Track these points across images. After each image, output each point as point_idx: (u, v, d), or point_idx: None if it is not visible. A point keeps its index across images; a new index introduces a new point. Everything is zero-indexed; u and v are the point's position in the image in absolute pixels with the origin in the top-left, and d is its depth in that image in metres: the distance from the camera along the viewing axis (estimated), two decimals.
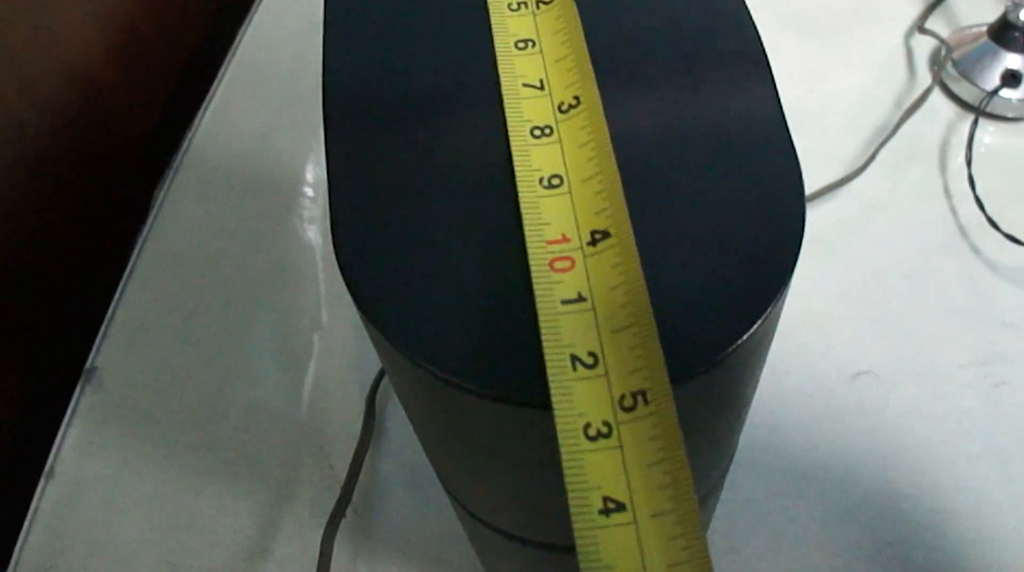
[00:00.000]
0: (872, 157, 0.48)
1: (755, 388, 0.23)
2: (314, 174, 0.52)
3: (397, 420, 0.43)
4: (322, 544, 0.36)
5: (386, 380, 0.43)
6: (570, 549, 0.26)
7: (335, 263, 0.48)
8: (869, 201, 0.47)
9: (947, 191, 0.48)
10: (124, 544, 0.40)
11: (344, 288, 0.47)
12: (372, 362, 0.44)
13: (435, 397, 0.19)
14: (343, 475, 0.41)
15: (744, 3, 0.23)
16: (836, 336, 0.43)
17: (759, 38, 0.22)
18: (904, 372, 0.42)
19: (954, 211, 0.47)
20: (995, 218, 0.45)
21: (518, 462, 0.21)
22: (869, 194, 0.48)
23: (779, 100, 0.21)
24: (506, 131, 0.21)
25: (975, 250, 0.46)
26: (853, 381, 0.42)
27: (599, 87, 0.21)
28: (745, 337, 0.17)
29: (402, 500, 0.40)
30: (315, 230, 0.50)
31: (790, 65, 0.54)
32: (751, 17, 0.22)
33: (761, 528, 0.39)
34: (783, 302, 0.18)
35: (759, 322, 0.17)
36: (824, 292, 0.45)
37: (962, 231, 0.46)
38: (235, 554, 0.39)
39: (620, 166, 0.20)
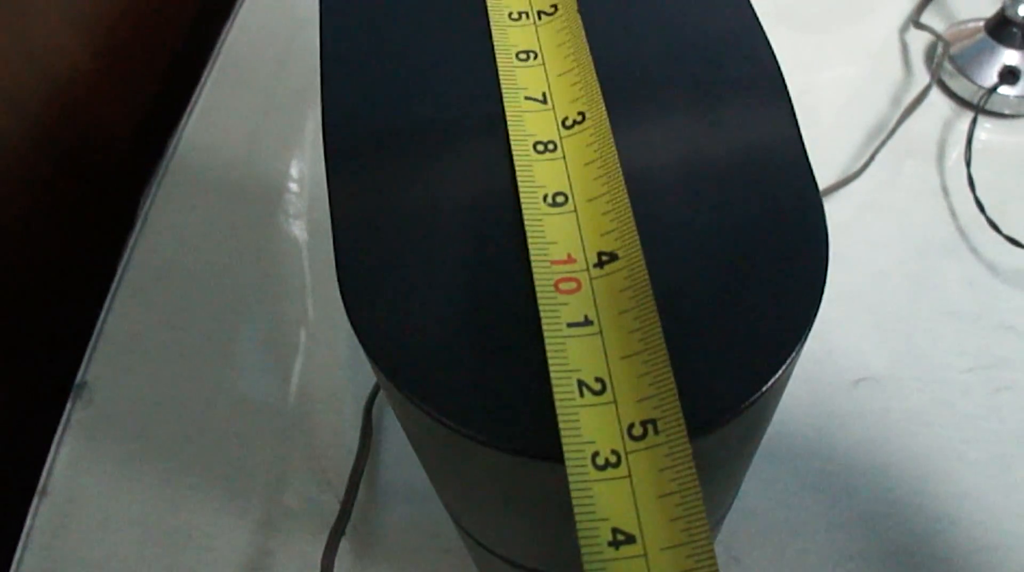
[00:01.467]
0: (872, 157, 0.47)
1: (768, 425, 0.23)
2: (300, 177, 0.52)
3: (394, 433, 0.42)
4: (322, 561, 0.35)
5: (382, 393, 0.43)
6: None
7: (323, 269, 0.47)
8: (867, 202, 0.47)
9: (946, 190, 0.47)
10: (120, 562, 0.39)
11: (334, 294, 0.47)
12: (367, 373, 0.44)
13: (442, 441, 0.18)
14: (340, 489, 0.41)
15: (756, 19, 0.22)
16: (836, 342, 0.43)
17: (773, 55, 0.21)
18: (905, 378, 0.42)
19: (953, 212, 0.47)
20: (995, 218, 0.45)
21: (526, 506, 0.20)
22: (867, 195, 0.47)
23: (796, 120, 0.20)
24: (511, 153, 0.20)
25: (975, 252, 0.45)
26: (854, 387, 0.42)
27: (607, 104, 0.20)
28: (768, 386, 0.17)
29: (401, 515, 0.40)
30: (302, 235, 0.49)
31: (783, 61, 0.53)
32: (763, 31, 0.22)
33: (764, 538, 0.38)
34: (804, 344, 0.18)
35: (783, 368, 0.17)
36: (824, 301, 0.44)
37: (962, 232, 0.46)
38: (233, 571, 0.39)
39: (629, 187, 0.19)
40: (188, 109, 0.55)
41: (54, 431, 0.43)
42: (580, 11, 0.22)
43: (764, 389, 0.17)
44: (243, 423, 0.43)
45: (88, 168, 0.52)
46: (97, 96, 0.52)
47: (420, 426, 0.19)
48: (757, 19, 0.22)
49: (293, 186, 0.51)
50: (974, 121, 0.48)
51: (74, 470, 0.42)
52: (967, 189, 0.46)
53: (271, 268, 0.48)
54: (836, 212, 0.47)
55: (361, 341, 0.18)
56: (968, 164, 0.46)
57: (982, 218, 0.45)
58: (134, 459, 0.42)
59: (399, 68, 0.22)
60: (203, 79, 0.56)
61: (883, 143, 0.48)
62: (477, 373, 0.17)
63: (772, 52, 0.21)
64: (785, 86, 0.21)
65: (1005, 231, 0.44)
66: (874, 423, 0.41)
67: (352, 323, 0.18)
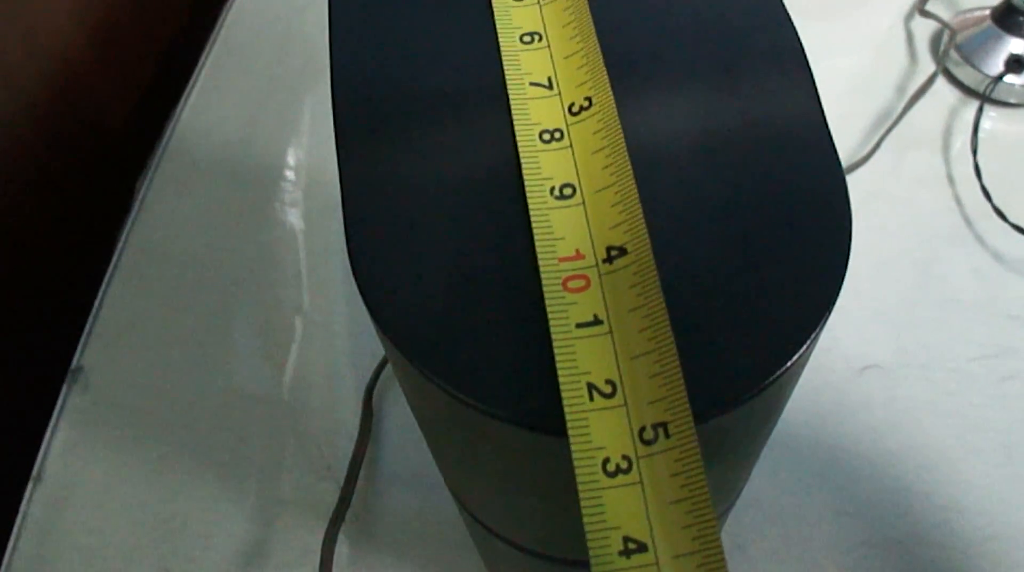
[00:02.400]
0: (877, 145, 0.47)
1: (782, 412, 0.22)
2: (296, 163, 0.51)
3: (395, 419, 0.42)
4: (323, 549, 0.35)
5: (383, 378, 0.42)
6: (581, 563, 0.26)
7: (319, 255, 0.47)
8: (873, 190, 0.47)
9: (952, 179, 0.47)
10: (117, 548, 0.39)
11: (330, 279, 0.46)
12: (366, 358, 0.43)
13: (454, 416, 0.18)
14: (340, 476, 0.40)
15: None
16: (842, 329, 0.43)
17: (795, 31, 0.20)
18: (911, 366, 0.42)
19: (959, 200, 0.46)
20: (1001, 206, 0.45)
21: (536, 485, 0.20)
22: (873, 183, 0.47)
23: (819, 101, 0.19)
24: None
25: (981, 240, 0.45)
26: (860, 375, 0.41)
27: (615, 83, 0.20)
28: (789, 365, 0.16)
29: (402, 502, 0.39)
30: (298, 221, 0.48)
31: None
32: (782, 3, 0.21)
33: (769, 526, 0.38)
34: (824, 326, 0.17)
35: (804, 347, 0.16)
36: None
37: (968, 221, 0.46)
38: (231, 559, 0.38)
39: (637, 174, 0.18)
40: (185, 93, 0.54)
41: (49, 416, 0.43)
42: None
43: (784, 368, 0.16)
44: (240, 409, 0.42)
45: (85, 151, 0.52)
46: (94, 79, 0.52)
47: (429, 401, 0.18)
48: None
49: (290, 171, 0.51)
50: (980, 109, 0.47)
51: (69, 456, 0.42)
52: (973, 178, 0.46)
53: (268, 253, 0.47)
54: None
55: (371, 312, 0.17)
56: (974, 152, 0.46)
57: (988, 206, 0.45)
58: (130, 445, 0.42)
59: (409, 43, 0.21)
60: (200, 63, 0.56)
61: (888, 131, 0.48)
62: (488, 345, 0.17)
63: (792, 24, 0.21)
64: (806, 58, 0.20)
65: (1012, 220, 0.44)
66: (880, 411, 0.41)
67: (362, 293, 0.17)
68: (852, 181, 0.47)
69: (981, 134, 0.48)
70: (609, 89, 0.20)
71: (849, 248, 0.17)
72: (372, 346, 0.44)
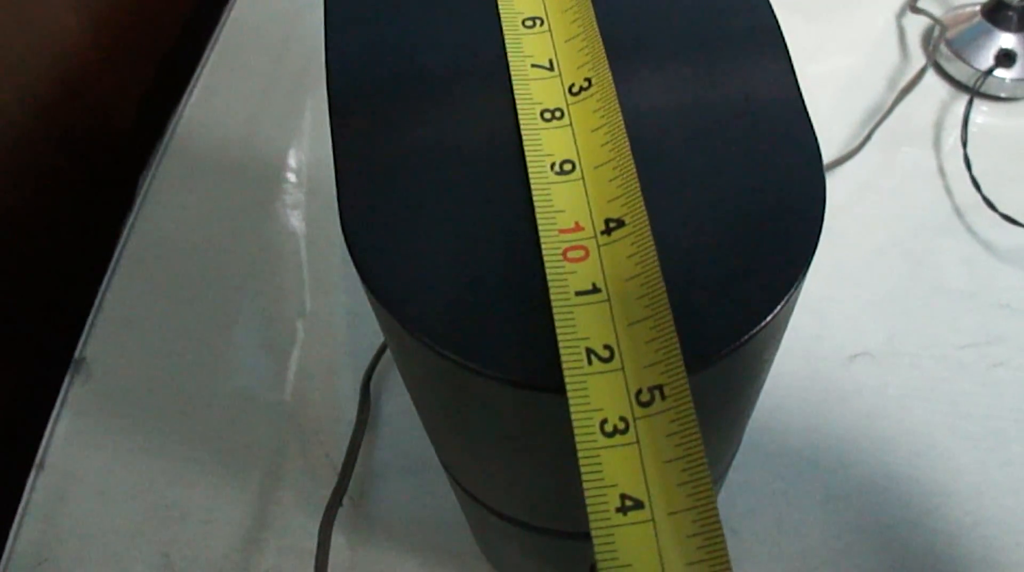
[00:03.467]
0: (867, 138, 0.48)
1: (767, 373, 0.23)
2: (298, 159, 0.52)
3: (392, 406, 0.42)
4: (320, 533, 0.35)
5: (380, 367, 0.43)
6: (575, 535, 0.26)
7: (319, 249, 0.47)
8: (864, 182, 0.47)
9: (942, 171, 0.48)
10: (117, 536, 0.40)
11: (330, 273, 0.47)
12: (364, 348, 0.44)
13: (448, 380, 0.18)
14: (339, 463, 0.41)
15: None
16: (832, 318, 0.43)
17: (773, 13, 0.21)
18: (901, 354, 0.42)
19: (950, 191, 0.47)
20: (991, 197, 0.45)
21: (529, 447, 0.20)
22: (864, 175, 0.47)
23: (795, 77, 0.20)
24: (516, 112, 0.20)
25: (971, 231, 0.46)
26: (851, 363, 0.42)
27: (612, 65, 0.21)
28: (766, 321, 0.17)
29: (399, 487, 0.40)
30: (299, 216, 0.49)
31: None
32: None
33: (761, 511, 0.39)
34: (802, 285, 0.18)
35: (780, 306, 0.17)
36: (820, 274, 0.44)
37: (958, 212, 0.46)
38: (231, 544, 0.39)
39: (634, 150, 0.19)
40: (188, 90, 0.55)
41: (52, 405, 0.43)
42: None
43: (761, 326, 0.17)
44: (241, 398, 0.43)
45: (89, 147, 0.52)
46: (98, 76, 0.52)
47: (430, 373, 0.19)
48: None
49: (291, 167, 0.51)
50: (970, 103, 0.48)
51: (72, 444, 0.42)
52: (963, 170, 0.46)
53: (268, 247, 0.48)
54: (833, 192, 0.47)
55: (362, 276, 0.18)
56: (964, 145, 0.46)
57: (978, 198, 0.45)
58: (132, 434, 0.42)
59: (409, 27, 0.22)
60: (203, 61, 0.57)
61: (879, 124, 0.48)
62: (488, 312, 0.17)
63: (771, 9, 0.22)
64: (784, 42, 0.21)
65: (1001, 210, 0.45)
66: (870, 398, 0.41)
67: (357, 265, 0.18)
68: (843, 173, 0.47)
69: (971, 127, 0.49)
70: (608, 71, 0.20)
71: (822, 214, 0.18)
72: (371, 339, 0.44)
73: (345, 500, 0.39)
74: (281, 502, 0.40)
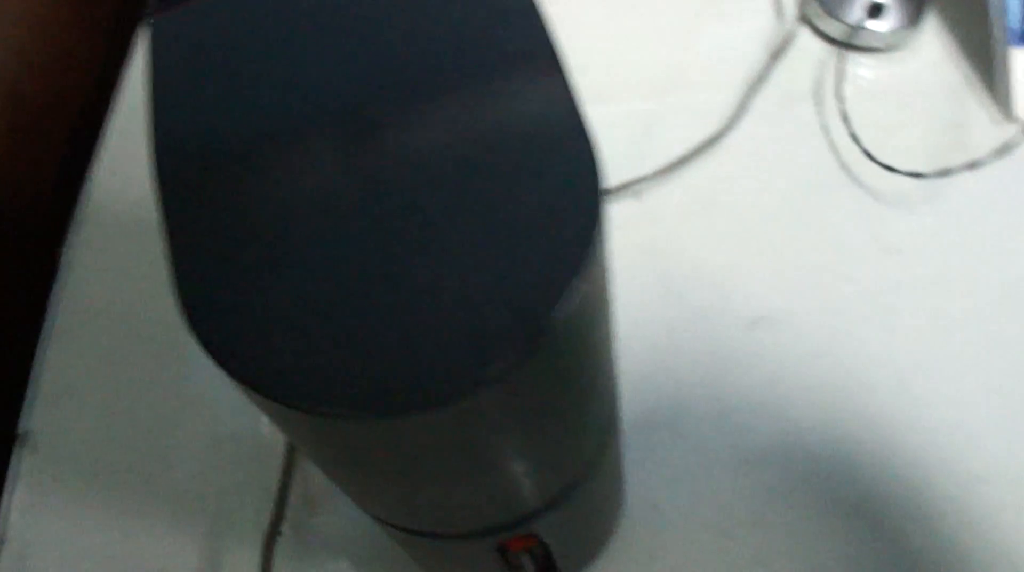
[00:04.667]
0: (744, 106, 0.49)
1: (599, 371, 0.25)
2: None
3: None
4: (260, 568, 0.37)
5: None
6: (483, 533, 0.28)
7: None
8: (748, 150, 0.49)
9: (825, 129, 0.49)
10: None
11: None
12: None
13: (292, 423, 0.20)
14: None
15: None
16: (730, 287, 0.45)
17: (546, 29, 0.22)
18: (801, 312, 0.44)
19: (834, 148, 0.48)
20: (871, 149, 0.47)
21: (380, 466, 0.22)
22: (747, 143, 0.49)
23: (572, 92, 0.21)
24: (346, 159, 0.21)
25: (858, 183, 0.47)
26: (752, 328, 0.44)
27: (380, 100, 0.22)
28: (562, 306, 0.18)
29: (341, 508, 0.42)
30: None
31: (652, 21, 0.55)
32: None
33: (679, 483, 0.40)
34: (585, 286, 0.19)
35: (568, 294, 0.18)
36: (714, 246, 0.46)
37: (843, 167, 0.48)
38: None
39: (415, 179, 0.20)
40: (96, 156, 0.56)
41: (3, 481, 0.45)
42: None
43: (559, 309, 0.18)
44: (186, 446, 0.45)
45: (6, 225, 0.54)
46: (8, 157, 0.54)
47: (267, 409, 0.21)
48: None
49: None
50: (844, 58, 0.49)
51: (29, 515, 0.44)
52: (843, 125, 0.48)
53: None
54: (719, 163, 0.48)
55: (206, 348, 0.20)
56: (842, 100, 0.48)
57: (859, 150, 0.47)
58: (84, 497, 0.44)
59: (236, 83, 0.23)
60: (106, 123, 0.58)
61: (756, 90, 0.50)
62: (303, 353, 0.19)
63: (544, 23, 0.22)
64: (557, 57, 0.22)
65: (881, 160, 0.46)
66: (773, 361, 0.43)
67: (198, 336, 0.20)
68: (726, 144, 0.49)
69: (849, 82, 0.50)
70: None
71: (598, 207, 0.19)
72: None
73: (285, 529, 0.41)
74: (230, 540, 0.42)
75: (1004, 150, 0.45)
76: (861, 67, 0.51)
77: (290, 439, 0.23)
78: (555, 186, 0.20)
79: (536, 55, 0.22)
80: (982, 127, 0.48)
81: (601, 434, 0.29)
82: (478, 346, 0.18)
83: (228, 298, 0.20)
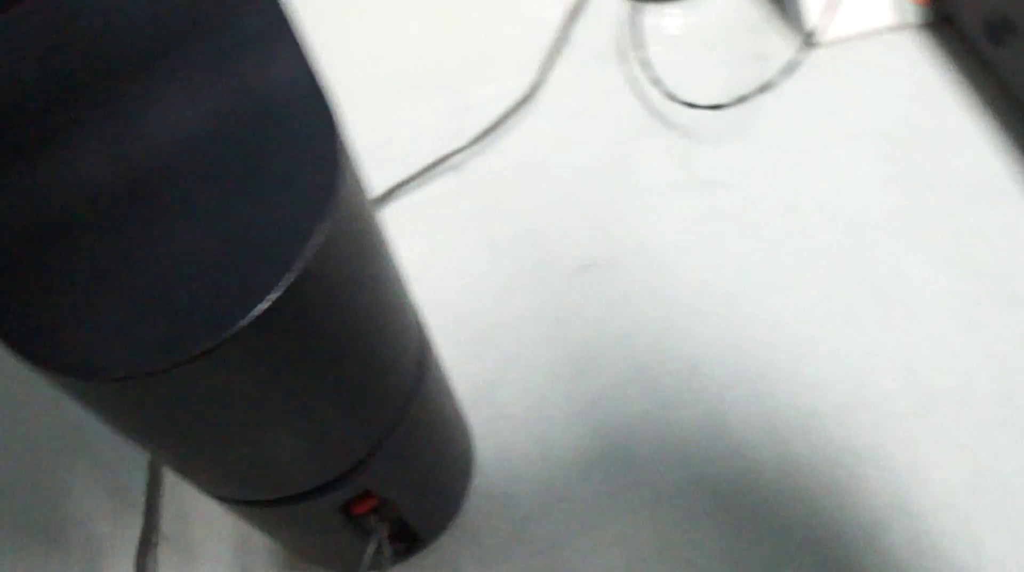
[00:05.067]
0: (549, 67, 0.51)
1: (374, 312, 0.26)
2: None
3: None
4: None
5: None
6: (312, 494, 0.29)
7: None
8: (559, 110, 0.50)
9: (629, 80, 0.51)
10: None
11: None
12: None
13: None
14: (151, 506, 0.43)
15: None
16: (554, 240, 0.46)
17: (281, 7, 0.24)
18: (626, 254, 0.46)
19: (640, 96, 0.50)
20: (672, 90, 0.49)
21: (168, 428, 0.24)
22: (557, 103, 0.51)
23: (309, 64, 0.23)
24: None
25: (668, 126, 0.49)
26: (580, 274, 0.45)
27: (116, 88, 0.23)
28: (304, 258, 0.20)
29: (216, 513, 0.42)
30: None
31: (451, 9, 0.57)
32: None
33: (520, 431, 0.41)
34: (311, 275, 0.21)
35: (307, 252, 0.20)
36: (535, 207, 0.48)
37: (652, 112, 0.50)
38: None
39: (163, 159, 0.22)
40: None
41: None
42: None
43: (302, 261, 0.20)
44: (53, 476, 0.45)
45: None
46: None
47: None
48: None
49: None
50: (641, 9, 0.52)
51: None
52: (644, 74, 0.50)
53: None
54: (532, 128, 0.50)
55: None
56: (641, 48, 0.50)
57: (661, 93, 0.49)
58: None
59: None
60: None
61: (559, 51, 0.52)
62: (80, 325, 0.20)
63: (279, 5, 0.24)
64: (294, 33, 0.23)
65: (682, 98, 0.48)
66: (606, 303, 0.44)
67: None
68: (534, 108, 0.50)
69: (653, 32, 0.52)
70: None
71: (336, 171, 0.21)
72: None
73: (160, 540, 0.42)
74: (107, 555, 0.42)
75: (791, 67, 0.48)
76: (666, 17, 0.54)
77: (102, 419, 0.25)
78: (297, 147, 0.22)
79: (272, 34, 0.24)
80: (780, 55, 0.50)
81: (399, 376, 0.30)
82: (236, 293, 0.20)
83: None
